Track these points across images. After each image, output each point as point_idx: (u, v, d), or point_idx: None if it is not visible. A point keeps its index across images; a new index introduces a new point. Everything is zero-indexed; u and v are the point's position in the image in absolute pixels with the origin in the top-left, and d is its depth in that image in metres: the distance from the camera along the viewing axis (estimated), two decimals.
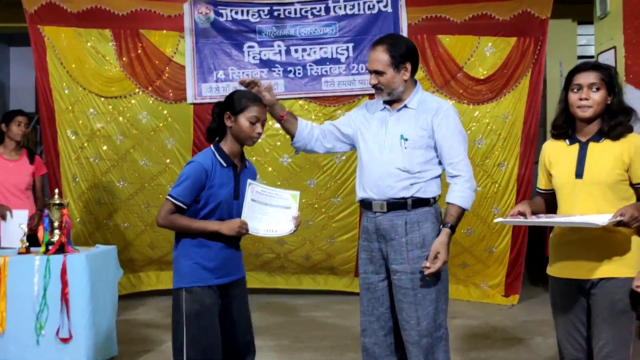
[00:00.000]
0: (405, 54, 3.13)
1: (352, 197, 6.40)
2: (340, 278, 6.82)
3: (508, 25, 6.40)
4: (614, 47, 6.34)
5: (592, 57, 7.02)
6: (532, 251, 7.20)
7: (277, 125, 6.30)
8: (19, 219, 4.77)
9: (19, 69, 8.49)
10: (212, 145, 3.12)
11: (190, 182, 2.97)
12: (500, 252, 6.46)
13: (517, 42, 6.39)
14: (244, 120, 3.02)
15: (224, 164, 3.06)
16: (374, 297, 3.15)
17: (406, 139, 3.09)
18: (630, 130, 2.77)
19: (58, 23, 6.42)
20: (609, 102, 2.77)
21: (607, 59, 6.52)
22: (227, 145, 3.10)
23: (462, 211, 3.08)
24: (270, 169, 6.44)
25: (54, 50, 6.40)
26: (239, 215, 3.01)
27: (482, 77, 6.44)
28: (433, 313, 3.04)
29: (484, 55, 6.44)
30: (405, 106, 3.17)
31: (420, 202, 3.09)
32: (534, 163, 6.47)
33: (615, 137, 2.73)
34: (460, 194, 3.08)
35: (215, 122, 3.12)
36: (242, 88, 3.29)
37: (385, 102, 3.22)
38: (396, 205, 3.07)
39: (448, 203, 3.11)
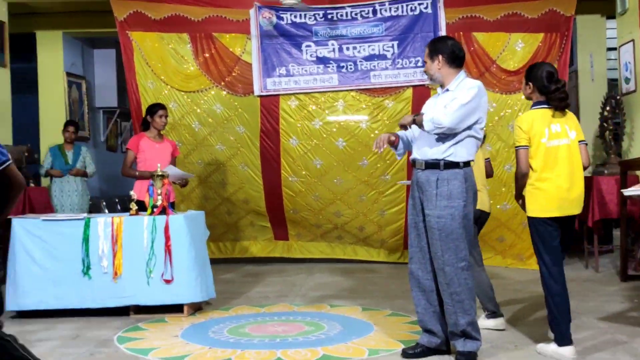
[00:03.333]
0: (435, 49, 4.02)
1: (399, 176, 7.31)
2: (392, 253, 7.75)
3: (536, 22, 7.20)
4: (632, 40, 7.11)
5: (616, 48, 7.76)
6: None
7: (331, 117, 7.35)
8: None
9: (102, 68, 9.61)
10: None
11: None
12: None
13: (545, 38, 7.19)
14: None
15: None
16: (418, 233, 4.03)
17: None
18: None
19: (143, 29, 7.51)
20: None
21: (627, 50, 7.30)
22: None
23: (421, 120, 3.88)
24: (328, 151, 7.38)
25: (140, 52, 7.47)
26: None
27: (513, 70, 7.26)
28: (454, 249, 3.86)
29: (515, 50, 7.26)
30: (447, 90, 4.02)
31: (450, 165, 3.92)
32: None
33: None
34: (431, 116, 3.83)
35: None
36: None
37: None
38: (431, 165, 3.95)
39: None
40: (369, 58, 7.41)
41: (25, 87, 9.04)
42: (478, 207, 4.39)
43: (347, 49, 7.43)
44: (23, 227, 5.25)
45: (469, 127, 3.89)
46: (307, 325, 4.84)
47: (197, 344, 4.40)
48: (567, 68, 7.25)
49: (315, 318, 5.07)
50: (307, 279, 6.86)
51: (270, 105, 7.43)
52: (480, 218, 4.69)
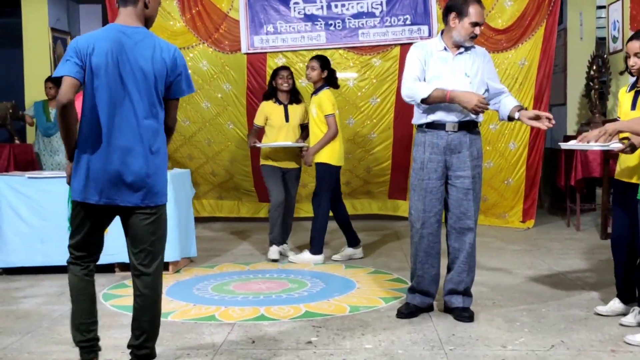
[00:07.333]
0: None
1: (386, 134, 7.34)
2: (375, 201, 7.83)
3: None
4: None
5: (604, 7, 7.71)
6: (551, 185, 8.08)
7: None
8: None
9: (88, 24, 9.45)
10: None
11: None
12: (516, 183, 7.30)
13: None
14: None
15: None
16: (435, 197, 3.98)
17: (468, 76, 3.94)
18: None
19: None
20: None
21: (616, 9, 7.28)
22: None
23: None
24: None
25: None
26: None
27: (501, 28, 7.23)
28: (478, 207, 4.02)
29: (504, 7, 7.22)
30: (464, 51, 3.97)
31: (476, 125, 4.02)
32: (548, 104, 7.29)
33: None
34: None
35: None
36: None
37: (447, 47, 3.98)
38: (464, 126, 3.95)
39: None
40: (357, 16, 7.35)
41: (9, 43, 8.91)
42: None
43: (336, 6, 7.36)
44: (8, 185, 5.27)
45: None
46: (291, 283, 4.92)
47: (181, 300, 4.47)
48: (556, 26, 7.21)
49: (298, 276, 5.15)
50: (293, 237, 6.91)
51: (257, 62, 7.39)
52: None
